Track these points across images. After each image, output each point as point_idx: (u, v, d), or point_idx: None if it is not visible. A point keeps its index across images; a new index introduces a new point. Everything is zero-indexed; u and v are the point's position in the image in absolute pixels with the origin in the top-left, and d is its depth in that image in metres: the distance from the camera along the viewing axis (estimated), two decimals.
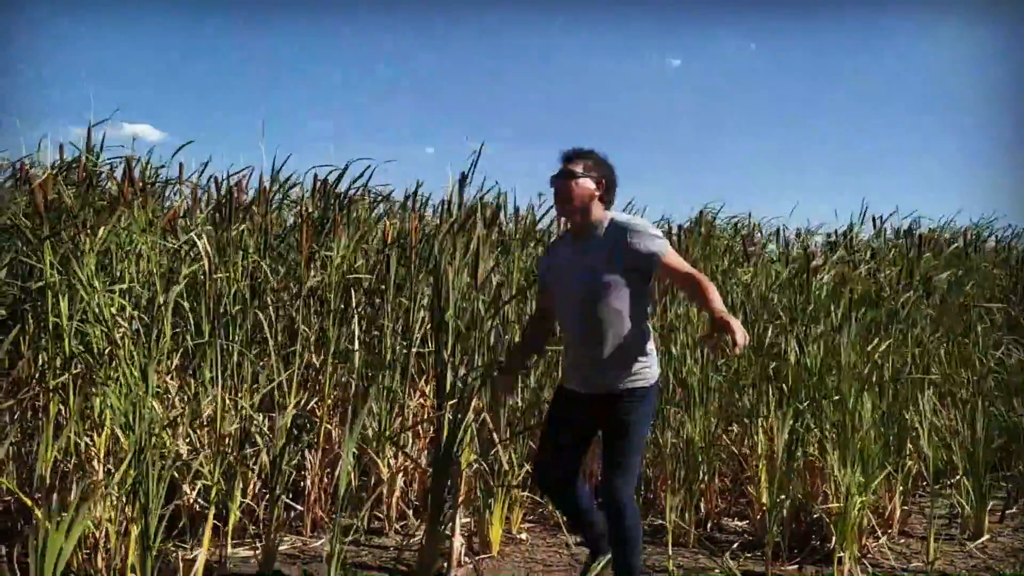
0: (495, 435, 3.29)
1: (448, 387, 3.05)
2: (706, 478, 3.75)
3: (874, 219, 5.29)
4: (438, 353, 3.10)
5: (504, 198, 4.14)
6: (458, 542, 3.22)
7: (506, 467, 3.35)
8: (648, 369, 2.60)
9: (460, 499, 3.21)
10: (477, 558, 3.32)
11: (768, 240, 5.67)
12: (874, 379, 3.52)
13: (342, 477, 2.59)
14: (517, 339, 2.75)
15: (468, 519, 3.45)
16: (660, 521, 3.55)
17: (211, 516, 3.00)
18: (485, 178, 4.03)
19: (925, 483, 4.36)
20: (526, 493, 3.64)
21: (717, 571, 3.29)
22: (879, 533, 3.53)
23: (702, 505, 3.84)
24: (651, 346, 2.64)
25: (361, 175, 3.95)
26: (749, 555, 3.46)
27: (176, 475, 3.37)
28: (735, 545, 3.54)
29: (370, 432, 3.64)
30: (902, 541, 3.63)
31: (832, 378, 3.46)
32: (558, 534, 3.61)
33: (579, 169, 2.61)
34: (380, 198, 4.21)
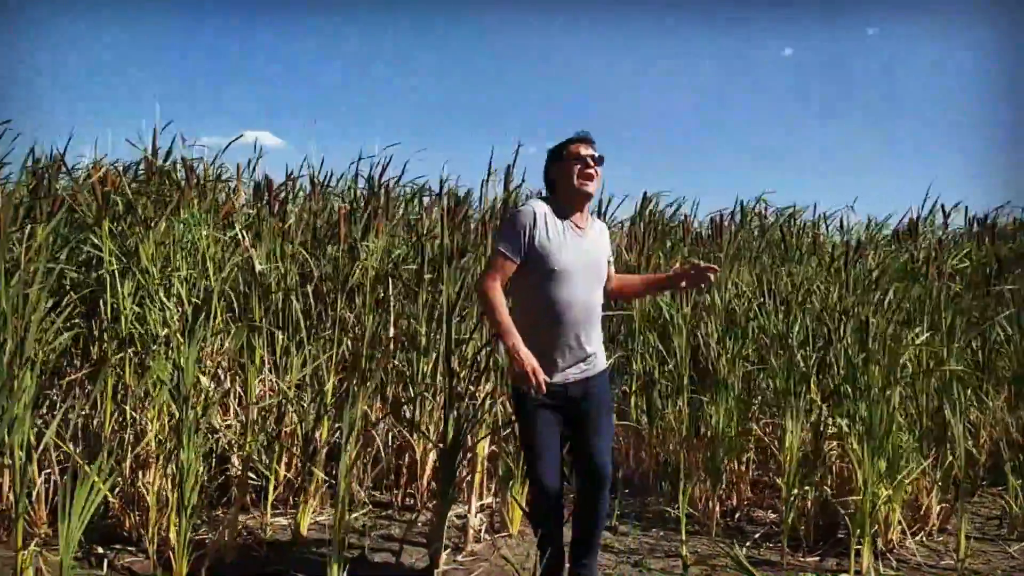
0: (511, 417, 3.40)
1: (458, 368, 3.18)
2: (733, 468, 3.73)
3: (943, 208, 5.06)
4: (448, 338, 3.23)
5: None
6: (476, 519, 3.36)
7: None
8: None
9: (476, 479, 3.35)
10: (496, 536, 3.45)
11: (834, 232, 5.53)
12: (908, 371, 3.41)
13: (344, 449, 2.76)
14: (506, 313, 2.49)
15: (491, 499, 3.58)
16: (689, 510, 3.56)
17: (244, 482, 3.25)
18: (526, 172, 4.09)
19: (984, 482, 4.19)
20: None
21: (740, 559, 3.28)
22: (909, 529, 3.41)
23: (734, 496, 3.83)
24: None
25: (387, 166, 4.15)
26: (771, 545, 3.42)
27: (227, 448, 3.69)
28: (757, 535, 3.52)
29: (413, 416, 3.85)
30: (940, 539, 3.50)
31: (862, 369, 3.38)
32: None
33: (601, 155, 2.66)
34: (422, 188, 4.39)
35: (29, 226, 3.29)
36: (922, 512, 3.51)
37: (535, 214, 2.53)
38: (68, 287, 3.50)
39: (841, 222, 5.43)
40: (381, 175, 4.22)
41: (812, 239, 4.99)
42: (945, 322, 3.92)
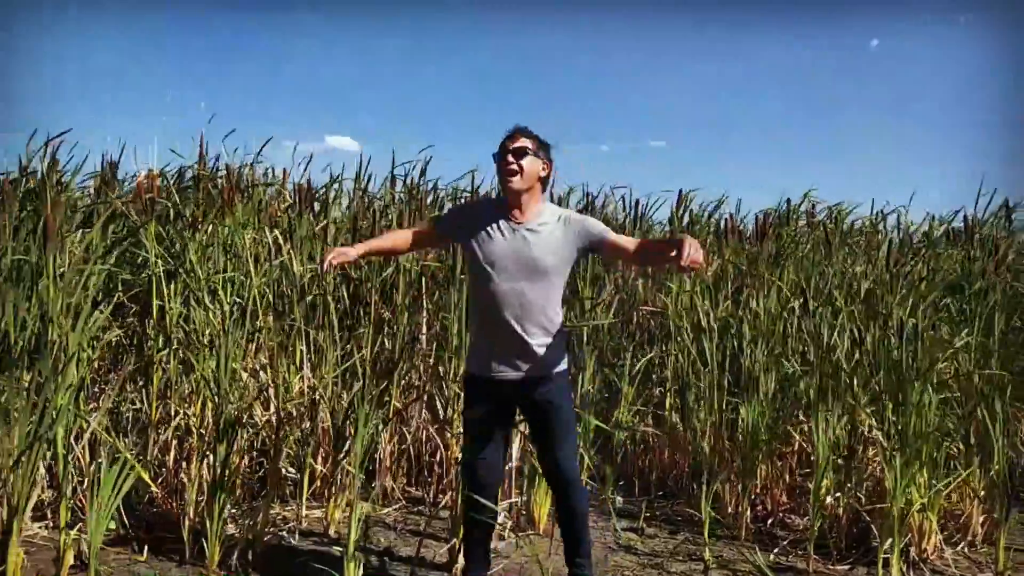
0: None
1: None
2: (768, 472, 3.66)
3: (1007, 203, 4.79)
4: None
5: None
6: (500, 517, 3.39)
7: None
8: (566, 353, 2.69)
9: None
10: (522, 534, 3.48)
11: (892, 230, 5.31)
12: (945, 376, 3.28)
13: (357, 442, 2.85)
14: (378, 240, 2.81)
15: (516, 497, 3.61)
16: (717, 515, 3.52)
17: (277, 474, 3.38)
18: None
19: None
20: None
21: (760, 564, 3.22)
22: (950, 539, 3.28)
23: (768, 500, 3.75)
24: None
25: (424, 169, 4.24)
26: (800, 552, 3.34)
27: (266, 442, 3.84)
28: (786, 542, 3.44)
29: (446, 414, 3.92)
30: (982, 550, 3.35)
31: (897, 372, 3.27)
32: (610, 519, 3.67)
33: (530, 146, 2.59)
34: (435, 188, 4.47)
35: (80, 231, 3.51)
36: (962, 521, 3.37)
37: (473, 207, 2.68)
38: (120, 288, 3.71)
39: (898, 219, 5.22)
40: (420, 177, 4.32)
41: (865, 237, 4.82)
42: (998, 324, 3.75)
